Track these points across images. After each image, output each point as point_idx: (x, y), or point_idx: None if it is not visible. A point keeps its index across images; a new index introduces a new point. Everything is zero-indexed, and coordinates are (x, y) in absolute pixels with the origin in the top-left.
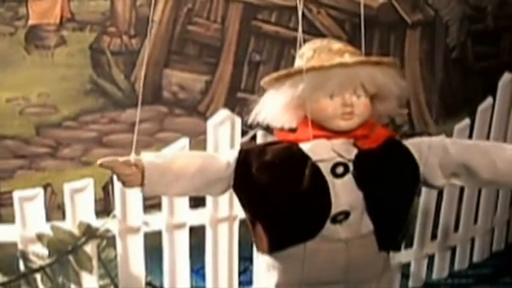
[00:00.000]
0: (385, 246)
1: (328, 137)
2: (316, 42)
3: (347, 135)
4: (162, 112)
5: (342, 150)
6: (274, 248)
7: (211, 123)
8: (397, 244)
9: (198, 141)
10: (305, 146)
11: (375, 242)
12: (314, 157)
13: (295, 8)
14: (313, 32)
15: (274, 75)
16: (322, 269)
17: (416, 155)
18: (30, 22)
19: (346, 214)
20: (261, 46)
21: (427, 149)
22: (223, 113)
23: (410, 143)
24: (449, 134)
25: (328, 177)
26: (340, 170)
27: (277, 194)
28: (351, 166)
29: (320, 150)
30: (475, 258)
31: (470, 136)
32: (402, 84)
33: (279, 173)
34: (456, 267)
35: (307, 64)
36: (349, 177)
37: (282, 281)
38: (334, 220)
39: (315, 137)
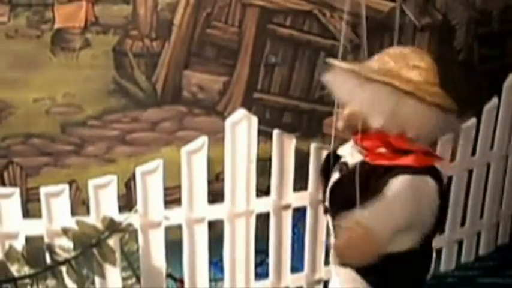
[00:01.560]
0: None
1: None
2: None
3: (360, 142)
4: (182, 111)
5: (350, 153)
6: None
7: (229, 122)
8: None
9: (217, 140)
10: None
11: None
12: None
13: (309, 12)
14: (326, 35)
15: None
16: None
17: None
18: (56, 25)
19: (327, 209)
20: (276, 48)
21: None
22: (241, 113)
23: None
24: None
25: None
26: (337, 168)
27: None
28: (344, 169)
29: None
30: (481, 251)
31: (476, 134)
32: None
33: None
34: (463, 259)
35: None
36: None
37: None
38: (326, 211)
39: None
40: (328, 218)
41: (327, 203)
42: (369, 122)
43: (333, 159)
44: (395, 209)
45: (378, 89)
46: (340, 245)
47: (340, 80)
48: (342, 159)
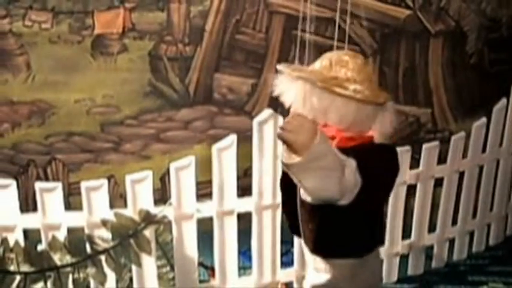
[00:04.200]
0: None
1: None
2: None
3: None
4: (213, 111)
5: None
6: None
7: (256, 121)
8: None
9: (245, 138)
10: None
11: None
12: None
13: (331, 19)
14: (347, 40)
15: None
16: None
17: None
18: (96, 31)
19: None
20: (300, 53)
21: None
22: (267, 112)
23: None
24: (468, 131)
25: None
26: None
27: None
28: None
29: None
30: (491, 242)
31: (486, 132)
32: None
33: None
34: (474, 249)
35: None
36: None
37: None
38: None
39: None
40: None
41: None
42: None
43: None
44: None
45: (301, 84)
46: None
47: (281, 81)
48: None
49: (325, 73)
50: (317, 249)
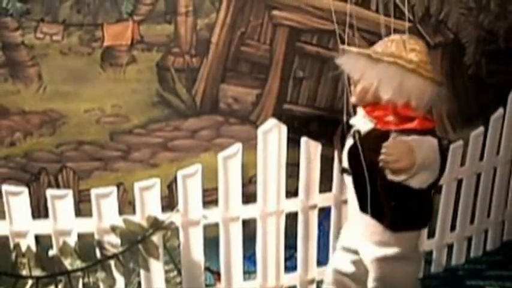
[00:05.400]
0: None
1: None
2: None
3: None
4: (219, 121)
5: (362, 122)
6: None
7: (261, 130)
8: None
9: (250, 146)
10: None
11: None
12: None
13: (333, 31)
14: None
15: None
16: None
17: None
18: (105, 43)
19: (346, 170)
20: (303, 64)
21: None
22: (272, 122)
23: None
24: (466, 140)
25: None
26: (351, 135)
27: None
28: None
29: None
30: (488, 247)
31: (484, 141)
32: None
33: None
34: (472, 254)
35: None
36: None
37: None
38: (342, 171)
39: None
40: (345, 176)
41: (345, 164)
42: (379, 95)
43: (347, 129)
44: (416, 148)
45: (385, 67)
46: (390, 147)
47: (353, 62)
48: (355, 128)
49: (404, 56)
50: (396, 223)
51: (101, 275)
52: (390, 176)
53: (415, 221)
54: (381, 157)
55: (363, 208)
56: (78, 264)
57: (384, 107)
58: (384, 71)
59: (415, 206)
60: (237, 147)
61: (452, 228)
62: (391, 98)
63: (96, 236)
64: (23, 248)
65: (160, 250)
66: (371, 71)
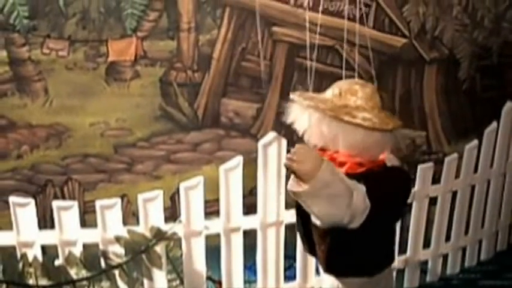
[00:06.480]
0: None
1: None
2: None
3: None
4: (220, 134)
5: None
6: None
7: (261, 143)
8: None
9: (250, 159)
10: None
11: None
12: None
13: (331, 47)
14: (347, 67)
15: None
16: None
17: None
18: (110, 59)
19: None
20: (302, 79)
21: None
22: (272, 135)
23: None
24: (461, 153)
25: None
26: None
27: None
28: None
29: None
30: (483, 257)
31: (478, 154)
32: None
33: None
34: (466, 264)
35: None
36: None
37: None
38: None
39: None
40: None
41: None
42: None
43: None
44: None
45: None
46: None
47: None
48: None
49: (335, 101)
50: (329, 269)
51: (105, 284)
52: (292, 185)
53: (358, 266)
54: (287, 156)
55: (310, 251)
56: (84, 273)
57: (324, 150)
58: (310, 117)
59: (357, 248)
60: (238, 159)
61: (447, 238)
62: (322, 145)
63: (101, 246)
64: (30, 258)
65: (163, 260)
66: (303, 117)
